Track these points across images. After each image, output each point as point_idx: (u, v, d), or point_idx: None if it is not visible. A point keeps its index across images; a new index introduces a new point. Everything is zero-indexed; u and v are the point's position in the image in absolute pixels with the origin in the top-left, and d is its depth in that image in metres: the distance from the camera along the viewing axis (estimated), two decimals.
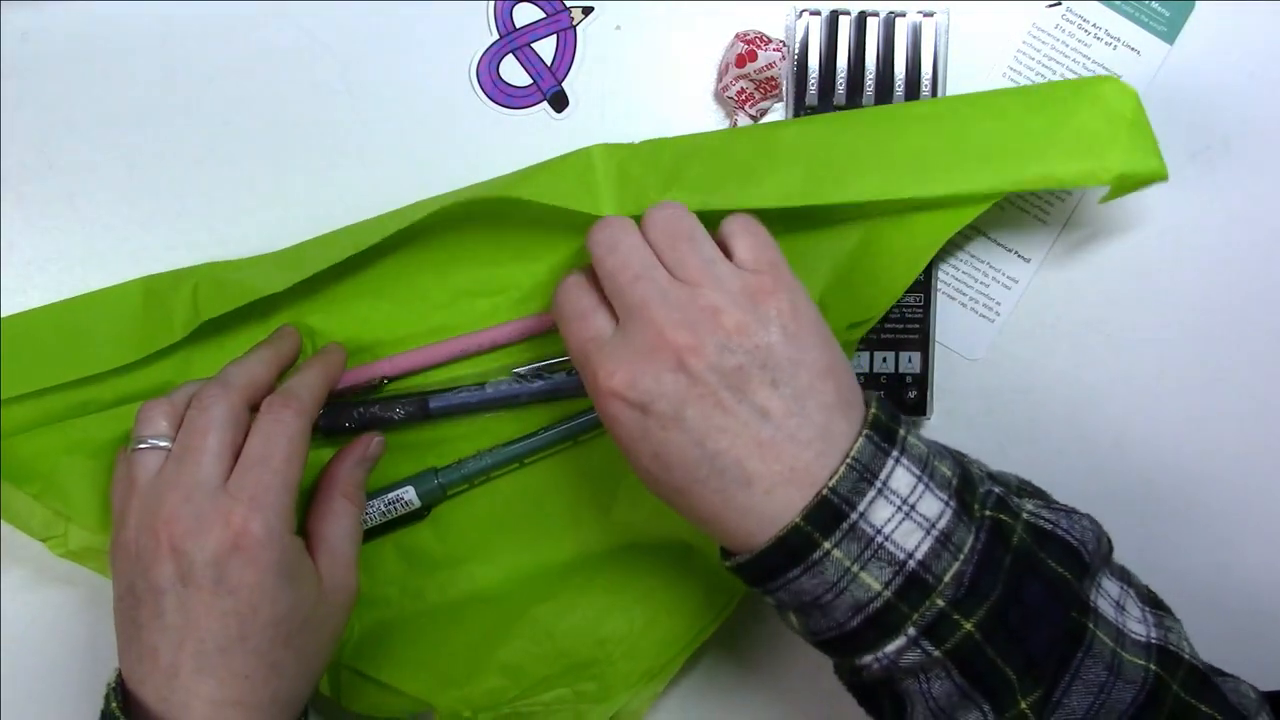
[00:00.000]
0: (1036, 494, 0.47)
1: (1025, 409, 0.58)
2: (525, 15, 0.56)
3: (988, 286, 0.57)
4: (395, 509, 0.53)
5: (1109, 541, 0.46)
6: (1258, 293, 0.57)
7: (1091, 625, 0.42)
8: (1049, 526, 0.43)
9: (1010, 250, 0.57)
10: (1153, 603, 0.46)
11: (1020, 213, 0.57)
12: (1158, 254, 0.57)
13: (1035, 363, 0.58)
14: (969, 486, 0.43)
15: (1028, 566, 0.41)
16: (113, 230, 0.55)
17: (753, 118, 0.55)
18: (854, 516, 0.40)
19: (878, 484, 0.41)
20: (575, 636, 0.54)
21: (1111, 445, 0.58)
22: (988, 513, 0.42)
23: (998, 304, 0.57)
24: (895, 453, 0.41)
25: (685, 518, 0.43)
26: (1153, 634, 0.44)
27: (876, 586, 0.40)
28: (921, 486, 0.41)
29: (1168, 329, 0.57)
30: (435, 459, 0.54)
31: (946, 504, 0.41)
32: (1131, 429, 0.58)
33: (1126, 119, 0.49)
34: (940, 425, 0.57)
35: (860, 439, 0.41)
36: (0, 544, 0.55)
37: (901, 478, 0.41)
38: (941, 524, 0.41)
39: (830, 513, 0.40)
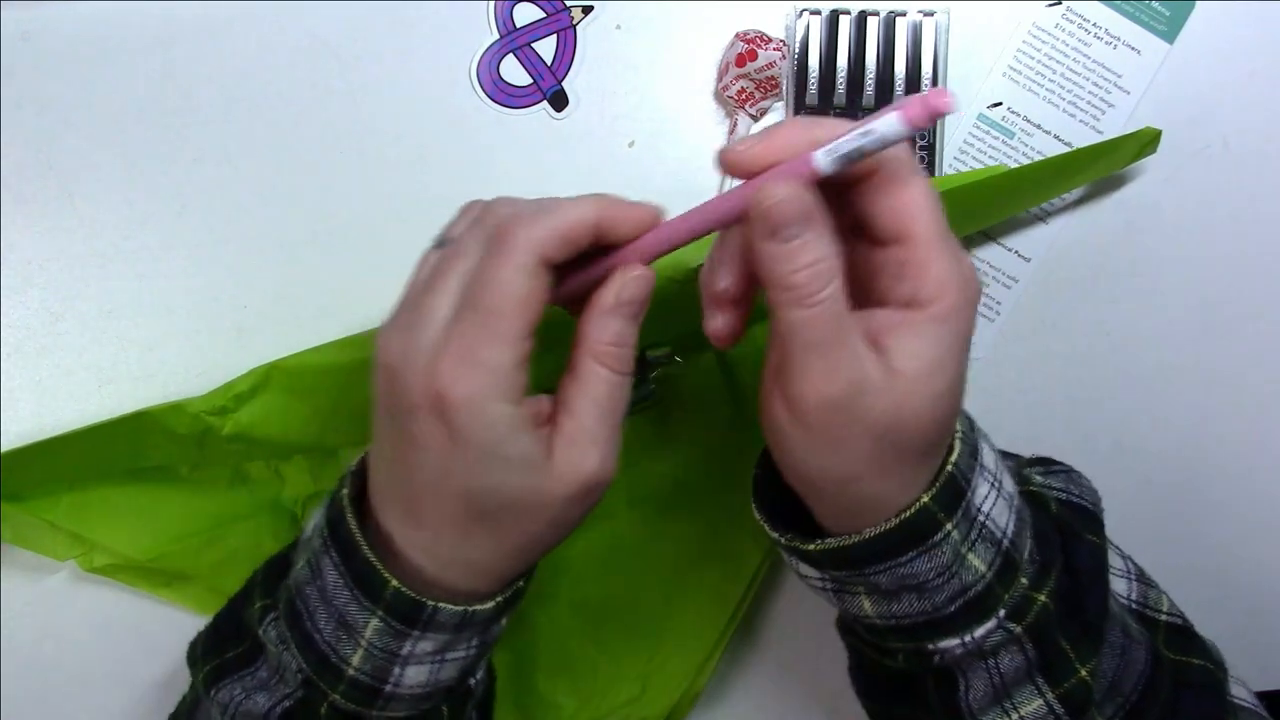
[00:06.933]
0: (1032, 462, 0.47)
1: (1025, 409, 0.58)
2: (525, 15, 0.56)
3: (988, 286, 0.57)
4: None
5: (1099, 496, 0.46)
6: (1257, 292, 0.57)
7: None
8: (1064, 496, 0.43)
9: (1010, 250, 0.57)
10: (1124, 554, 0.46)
11: (1021, 213, 0.57)
12: (1158, 254, 0.57)
13: (1035, 363, 0.57)
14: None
15: (1070, 534, 0.41)
16: (113, 230, 0.55)
17: (753, 117, 0.55)
18: (969, 494, 0.38)
19: (979, 460, 0.39)
20: (614, 648, 0.55)
21: (1111, 445, 0.58)
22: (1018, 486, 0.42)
23: (998, 304, 0.57)
24: (976, 428, 0.40)
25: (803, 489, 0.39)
26: (1133, 593, 0.44)
27: (981, 568, 0.38)
28: (999, 462, 0.40)
29: (1168, 329, 0.57)
30: None
31: (1013, 478, 0.40)
32: (1131, 429, 0.58)
33: (1149, 136, 0.55)
34: None
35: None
36: (0, 544, 0.55)
37: (988, 454, 0.40)
38: (1018, 501, 0.40)
39: (954, 491, 0.37)
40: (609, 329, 0.37)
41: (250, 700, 0.41)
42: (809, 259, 0.34)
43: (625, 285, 0.37)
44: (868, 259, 0.37)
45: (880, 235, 0.36)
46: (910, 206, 0.35)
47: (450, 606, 0.39)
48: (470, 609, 0.39)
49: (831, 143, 0.33)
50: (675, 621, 0.55)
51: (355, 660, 0.39)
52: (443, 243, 0.40)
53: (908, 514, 0.37)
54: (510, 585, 0.41)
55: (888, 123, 0.32)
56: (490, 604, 0.40)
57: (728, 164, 0.36)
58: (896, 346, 0.35)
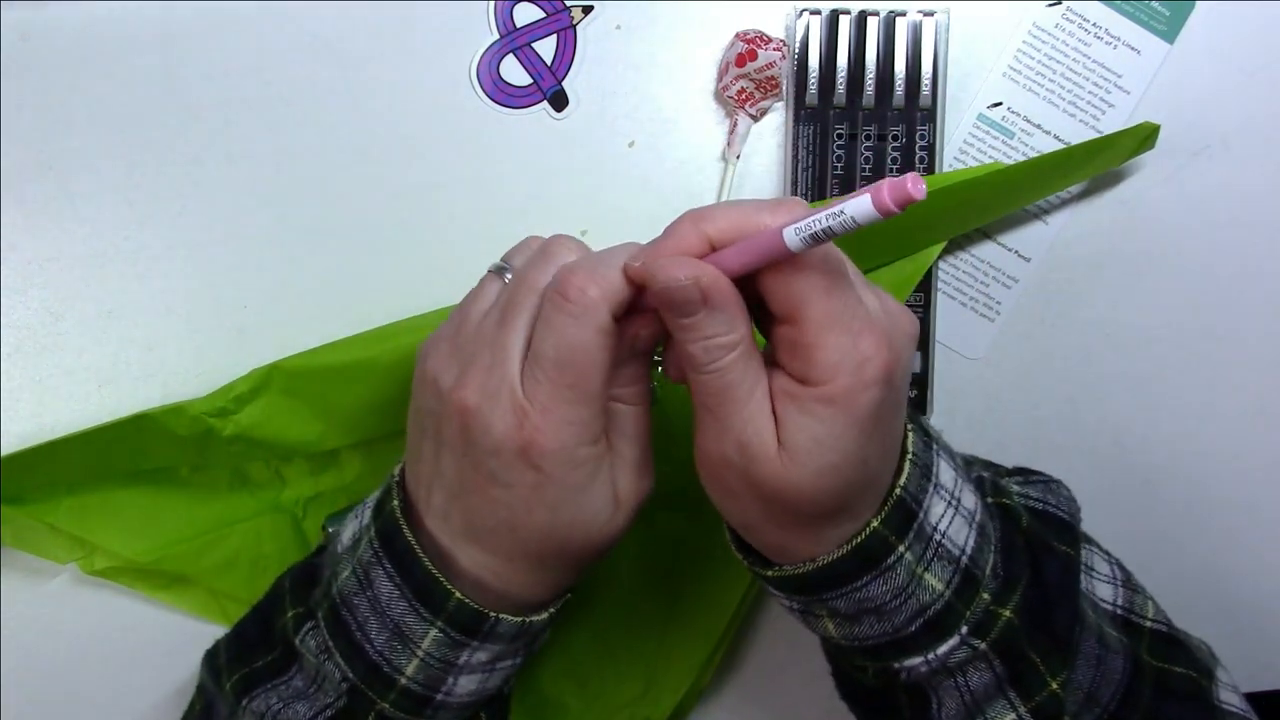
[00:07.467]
0: (1011, 472, 0.47)
1: (1025, 409, 0.58)
2: (525, 15, 0.56)
3: (988, 286, 0.57)
4: None
5: (1079, 505, 0.46)
6: (1257, 292, 0.57)
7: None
8: (1040, 506, 0.43)
9: (1010, 250, 0.57)
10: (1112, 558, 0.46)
11: (1020, 212, 0.57)
12: (1157, 254, 0.57)
13: (1035, 363, 0.57)
14: (972, 471, 0.43)
15: (1041, 547, 0.41)
16: (113, 230, 0.55)
17: (753, 117, 0.55)
18: (921, 515, 0.38)
19: (933, 480, 0.39)
20: (618, 646, 0.56)
21: (1111, 445, 0.58)
22: (989, 499, 0.42)
23: (998, 304, 0.57)
24: (935, 446, 0.40)
25: (739, 524, 0.40)
26: (1119, 599, 0.44)
27: (939, 588, 0.38)
28: (960, 479, 0.40)
29: (1168, 329, 0.57)
30: None
31: (975, 494, 0.40)
32: (1131, 429, 0.58)
33: (1147, 131, 0.54)
34: (940, 424, 0.57)
35: (910, 433, 0.39)
36: (1, 548, 0.55)
37: (945, 472, 0.40)
38: (979, 515, 0.40)
39: (904, 513, 0.38)
40: (623, 374, 0.40)
41: (289, 709, 0.42)
42: (703, 335, 0.35)
43: (640, 340, 0.39)
44: (776, 329, 0.37)
45: (774, 314, 0.36)
46: (799, 289, 0.35)
47: (510, 618, 0.40)
48: (528, 619, 0.40)
49: (802, 221, 0.33)
50: (678, 619, 0.56)
51: (409, 670, 0.40)
52: (502, 270, 0.41)
53: (859, 539, 0.37)
54: (561, 595, 0.42)
55: (858, 205, 0.31)
56: (545, 614, 0.41)
57: (634, 279, 0.37)
58: (785, 417, 0.36)
